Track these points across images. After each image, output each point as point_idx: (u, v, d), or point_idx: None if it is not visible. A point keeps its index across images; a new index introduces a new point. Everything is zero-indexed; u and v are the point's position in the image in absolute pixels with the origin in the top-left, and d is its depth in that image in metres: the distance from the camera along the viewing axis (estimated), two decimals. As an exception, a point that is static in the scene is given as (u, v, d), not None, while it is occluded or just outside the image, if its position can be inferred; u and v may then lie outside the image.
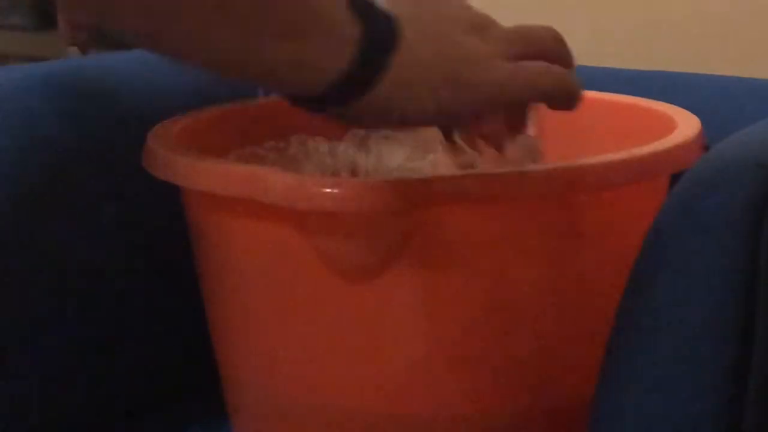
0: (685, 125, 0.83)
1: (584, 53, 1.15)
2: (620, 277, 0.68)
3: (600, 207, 0.78)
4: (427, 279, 0.76)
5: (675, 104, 0.90)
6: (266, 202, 0.74)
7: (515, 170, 0.74)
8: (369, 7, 0.64)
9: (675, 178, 0.70)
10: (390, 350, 0.78)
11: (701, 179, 0.66)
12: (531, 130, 0.78)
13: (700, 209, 0.64)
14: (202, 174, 0.78)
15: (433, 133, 0.82)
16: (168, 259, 0.95)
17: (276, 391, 0.82)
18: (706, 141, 0.82)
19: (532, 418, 0.79)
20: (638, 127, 0.89)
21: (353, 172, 0.84)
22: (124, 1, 0.59)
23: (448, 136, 0.79)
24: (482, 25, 0.69)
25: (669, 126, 0.84)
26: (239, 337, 0.84)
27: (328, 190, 0.72)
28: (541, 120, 0.97)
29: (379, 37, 0.63)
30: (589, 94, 0.95)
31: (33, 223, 0.89)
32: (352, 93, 0.64)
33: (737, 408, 0.63)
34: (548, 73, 0.69)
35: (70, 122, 0.92)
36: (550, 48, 0.71)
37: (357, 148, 0.81)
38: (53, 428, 0.91)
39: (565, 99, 0.70)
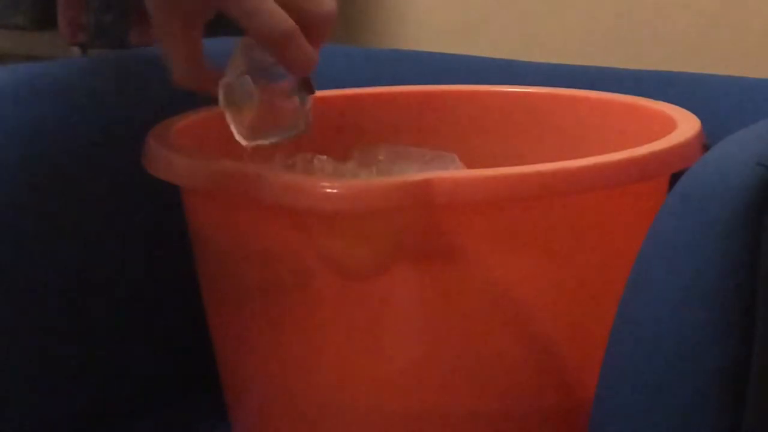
0: (685, 125, 0.83)
1: (584, 53, 1.15)
2: (620, 276, 0.68)
3: (600, 207, 0.78)
4: (427, 279, 0.76)
5: (675, 104, 0.90)
6: (266, 202, 0.74)
7: (516, 170, 0.74)
8: None
9: (675, 178, 0.70)
10: (390, 350, 0.78)
11: (701, 179, 0.66)
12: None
13: (700, 209, 0.64)
14: (202, 174, 0.78)
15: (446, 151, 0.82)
16: (168, 259, 0.95)
17: (276, 390, 0.82)
18: (706, 141, 0.82)
19: (532, 417, 0.79)
20: (638, 127, 0.89)
21: None
22: None
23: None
24: None
25: (669, 126, 0.84)
26: (239, 336, 0.84)
27: (328, 190, 0.72)
28: (541, 120, 0.97)
29: None
30: (589, 94, 0.96)
31: (31, 224, 0.89)
32: None
33: (737, 408, 0.63)
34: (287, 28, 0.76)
35: (70, 122, 0.92)
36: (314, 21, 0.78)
37: (364, 167, 0.81)
38: (53, 429, 0.91)
39: (292, 59, 0.77)
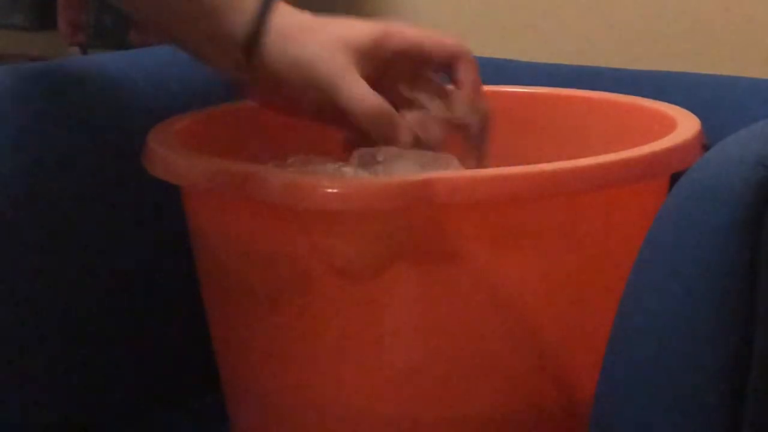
0: (685, 125, 0.83)
1: (583, 53, 1.15)
2: (620, 277, 0.68)
3: (600, 207, 0.78)
4: (427, 279, 0.76)
5: (675, 104, 0.90)
6: (266, 202, 0.74)
7: (516, 170, 0.74)
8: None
9: (675, 178, 0.70)
10: (390, 350, 0.78)
11: (701, 179, 0.66)
12: None
13: (700, 209, 0.64)
14: (202, 173, 0.78)
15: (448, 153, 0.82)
16: (168, 259, 0.95)
17: (275, 390, 0.82)
18: (706, 141, 0.82)
19: (532, 418, 0.79)
20: (638, 127, 0.89)
21: None
22: None
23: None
24: None
25: (669, 126, 0.84)
26: (239, 337, 0.84)
27: (328, 190, 0.72)
28: (541, 120, 0.97)
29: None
30: (589, 94, 0.96)
31: (31, 224, 0.89)
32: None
33: (737, 407, 0.63)
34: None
35: (70, 122, 0.92)
36: None
37: (364, 168, 0.81)
38: (53, 429, 0.91)
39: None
